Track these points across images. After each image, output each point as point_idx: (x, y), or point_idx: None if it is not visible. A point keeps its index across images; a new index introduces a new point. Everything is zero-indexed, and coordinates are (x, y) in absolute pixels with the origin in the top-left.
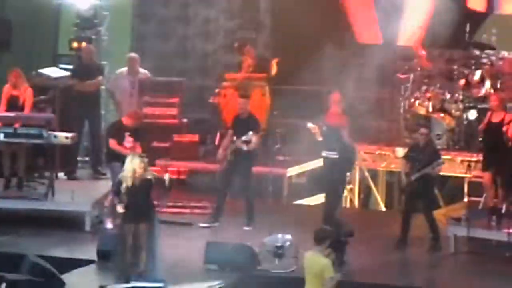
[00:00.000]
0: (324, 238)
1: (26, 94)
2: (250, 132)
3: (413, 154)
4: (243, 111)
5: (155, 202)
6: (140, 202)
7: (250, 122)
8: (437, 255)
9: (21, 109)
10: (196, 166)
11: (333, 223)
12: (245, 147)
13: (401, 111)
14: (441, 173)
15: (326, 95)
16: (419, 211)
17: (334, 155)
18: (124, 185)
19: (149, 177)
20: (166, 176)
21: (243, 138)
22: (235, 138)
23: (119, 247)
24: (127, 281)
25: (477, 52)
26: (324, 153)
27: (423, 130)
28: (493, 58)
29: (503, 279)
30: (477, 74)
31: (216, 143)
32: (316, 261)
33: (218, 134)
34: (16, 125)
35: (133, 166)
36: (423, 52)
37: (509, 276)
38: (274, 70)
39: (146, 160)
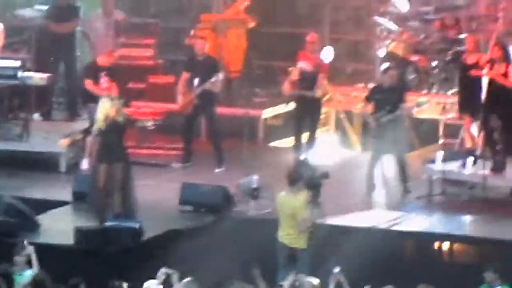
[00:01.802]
0: (297, 179)
1: None
2: (220, 74)
3: (376, 96)
4: (201, 52)
5: (131, 143)
6: (112, 143)
7: (210, 63)
8: (411, 196)
9: None
10: (171, 107)
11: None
12: (215, 89)
13: (377, 52)
14: (416, 116)
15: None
16: (389, 152)
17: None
18: (95, 127)
19: (120, 119)
20: (149, 123)
21: (213, 79)
22: (196, 80)
23: (93, 188)
24: (103, 222)
25: None
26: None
27: (390, 71)
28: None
29: (474, 216)
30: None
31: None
32: (288, 202)
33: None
34: None
35: (105, 109)
36: None
37: (478, 212)
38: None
39: (119, 102)
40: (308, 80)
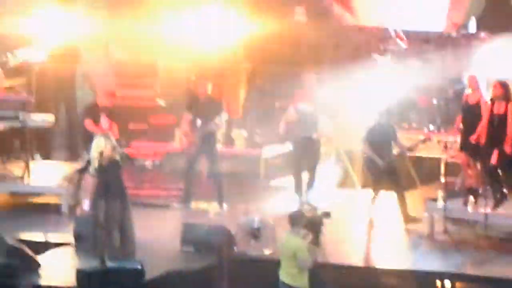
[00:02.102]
0: (299, 219)
1: None
2: (223, 115)
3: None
4: (203, 94)
5: (131, 184)
6: (110, 181)
7: (213, 104)
8: (413, 235)
9: None
10: (172, 148)
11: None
12: (217, 130)
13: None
14: (417, 154)
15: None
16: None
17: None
18: (92, 166)
19: (117, 156)
20: (147, 162)
21: (217, 121)
22: (198, 121)
23: (93, 228)
24: (104, 263)
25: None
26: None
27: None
28: (470, 38)
29: (476, 255)
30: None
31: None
32: (290, 242)
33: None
34: None
35: (99, 147)
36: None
37: (481, 251)
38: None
39: (113, 140)
40: (308, 120)
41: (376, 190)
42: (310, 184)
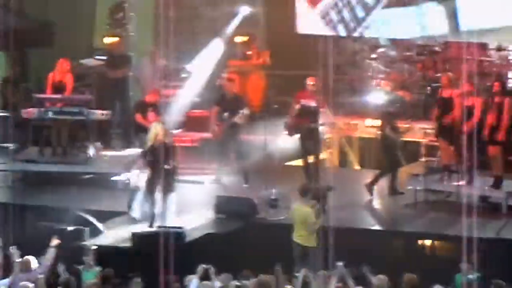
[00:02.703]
0: (307, 191)
1: (68, 80)
2: (246, 109)
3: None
4: (230, 91)
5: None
6: (160, 161)
7: (238, 100)
8: (400, 204)
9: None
10: (205, 135)
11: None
12: (240, 121)
13: (371, 89)
14: (403, 138)
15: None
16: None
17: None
18: (147, 146)
19: (167, 140)
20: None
21: (240, 114)
22: (225, 114)
23: (145, 200)
24: (152, 227)
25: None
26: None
27: None
28: (443, 46)
29: (450, 218)
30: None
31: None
32: (301, 210)
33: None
34: (59, 105)
35: (156, 131)
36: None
37: (454, 216)
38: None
39: (166, 127)
40: (311, 114)
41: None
42: (316, 163)
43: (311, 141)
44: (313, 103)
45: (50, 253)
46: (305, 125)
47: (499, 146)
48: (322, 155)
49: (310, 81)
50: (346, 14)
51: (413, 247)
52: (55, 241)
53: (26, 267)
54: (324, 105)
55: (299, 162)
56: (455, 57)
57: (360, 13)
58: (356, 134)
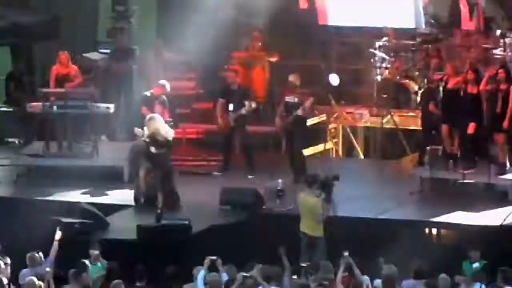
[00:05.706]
0: (313, 181)
1: (73, 72)
2: (252, 101)
3: None
4: (234, 83)
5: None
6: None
7: (242, 92)
8: (407, 193)
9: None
10: (211, 127)
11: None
12: (246, 113)
13: (375, 78)
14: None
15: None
16: None
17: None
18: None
19: (158, 138)
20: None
21: (246, 106)
22: (231, 106)
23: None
24: (159, 220)
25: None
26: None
27: None
28: (447, 34)
29: (457, 206)
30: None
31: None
32: (307, 200)
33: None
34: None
35: (156, 126)
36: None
37: (460, 203)
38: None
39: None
40: (294, 109)
41: None
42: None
43: (297, 135)
44: (295, 99)
45: (55, 247)
46: (289, 121)
47: (505, 133)
48: (306, 150)
49: (291, 78)
50: None
51: (420, 235)
52: (58, 234)
53: (33, 262)
54: (308, 99)
55: (307, 152)
56: (459, 45)
57: None
58: (360, 124)
